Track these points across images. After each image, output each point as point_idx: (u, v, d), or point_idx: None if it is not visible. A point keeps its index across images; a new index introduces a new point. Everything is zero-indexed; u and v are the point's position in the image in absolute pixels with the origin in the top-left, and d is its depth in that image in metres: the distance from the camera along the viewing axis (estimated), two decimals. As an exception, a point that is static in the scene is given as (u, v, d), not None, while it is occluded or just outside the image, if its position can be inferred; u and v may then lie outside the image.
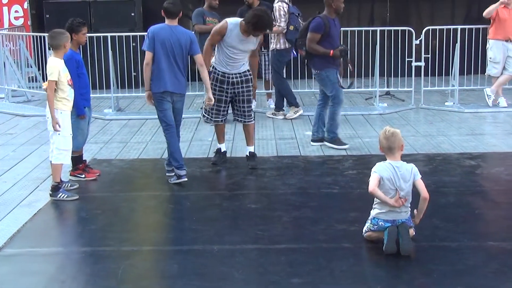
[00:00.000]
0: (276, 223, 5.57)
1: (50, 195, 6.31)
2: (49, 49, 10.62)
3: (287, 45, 9.72)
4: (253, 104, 10.44)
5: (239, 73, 7.10)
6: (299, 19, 9.66)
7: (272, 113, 10.07)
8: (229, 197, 6.36)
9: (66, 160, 6.41)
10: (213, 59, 7.19)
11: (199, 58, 6.76)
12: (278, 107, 10.05)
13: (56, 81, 6.17)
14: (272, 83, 10.70)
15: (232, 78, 7.07)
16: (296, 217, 5.73)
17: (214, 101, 6.97)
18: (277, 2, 9.65)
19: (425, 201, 4.96)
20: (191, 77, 11.31)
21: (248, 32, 6.85)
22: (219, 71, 7.05)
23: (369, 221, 5.07)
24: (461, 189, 6.41)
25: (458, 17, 13.53)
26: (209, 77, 6.87)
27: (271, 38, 9.80)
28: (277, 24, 9.48)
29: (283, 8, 9.57)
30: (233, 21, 6.93)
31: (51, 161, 6.37)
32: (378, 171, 5.01)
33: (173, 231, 5.59)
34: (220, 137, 7.38)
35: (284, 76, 10.12)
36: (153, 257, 5.04)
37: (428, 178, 6.69)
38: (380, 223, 4.99)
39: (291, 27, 9.56)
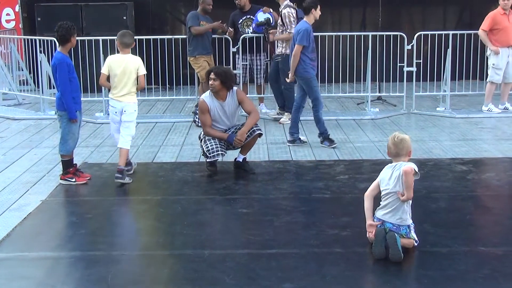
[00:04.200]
0: (268, 228, 5.55)
1: (116, 178, 6.74)
2: (40, 52, 10.61)
3: None
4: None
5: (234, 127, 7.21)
6: None
7: (278, 113, 10.11)
8: (220, 202, 6.34)
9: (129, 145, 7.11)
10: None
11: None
12: (283, 107, 10.05)
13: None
14: (264, 86, 10.74)
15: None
16: (287, 222, 5.71)
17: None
18: (285, 8, 9.54)
19: (405, 174, 4.89)
20: (182, 81, 11.36)
21: (216, 90, 6.94)
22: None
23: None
24: (452, 194, 6.42)
25: (450, 22, 13.58)
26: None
27: (278, 43, 9.76)
28: (288, 30, 9.48)
29: (292, 14, 9.51)
30: (205, 96, 7.07)
31: (121, 147, 6.98)
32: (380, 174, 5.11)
33: (164, 236, 5.56)
34: None
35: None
36: (144, 262, 5.01)
37: (420, 183, 6.67)
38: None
39: None
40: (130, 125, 7.05)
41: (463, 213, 5.92)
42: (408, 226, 4.98)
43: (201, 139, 7.14)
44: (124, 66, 6.95)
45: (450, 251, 4.99)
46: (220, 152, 6.97)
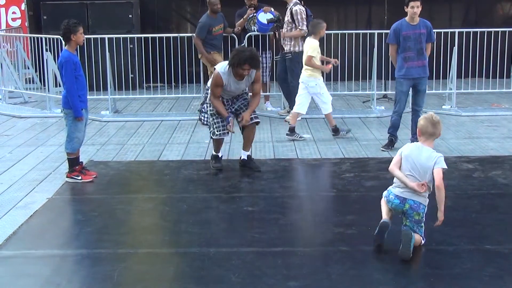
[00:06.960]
0: (273, 226, 5.56)
1: (287, 135, 8.56)
2: (46, 50, 10.63)
3: None
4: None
5: (238, 95, 7.19)
6: None
7: (287, 110, 10.11)
8: (226, 200, 6.34)
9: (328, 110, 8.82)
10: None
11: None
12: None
13: (313, 56, 8.70)
14: (269, 84, 10.73)
15: (232, 98, 7.18)
16: (292, 220, 5.72)
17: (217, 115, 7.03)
18: (296, 5, 9.62)
19: (437, 190, 4.83)
20: (188, 79, 11.36)
21: (238, 73, 6.86)
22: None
23: (387, 189, 5.07)
24: (458, 193, 6.40)
25: (456, 20, 13.54)
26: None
27: (286, 40, 9.76)
28: (299, 27, 9.51)
29: (303, 11, 9.58)
30: (223, 69, 6.96)
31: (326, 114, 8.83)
32: (403, 149, 5.03)
33: (169, 234, 5.57)
34: (219, 148, 7.34)
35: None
36: (149, 260, 5.02)
37: (425, 181, 6.70)
38: (391, 196, 5.00)
39: None
40: (315, 97, 8.90)
41: (469, 211, 5.92)
42: (425, 207, 4.96)
43: (206, 111, 7.12)
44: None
45: (456, 249, 4.99)
46: (226, 131, 7.04)
